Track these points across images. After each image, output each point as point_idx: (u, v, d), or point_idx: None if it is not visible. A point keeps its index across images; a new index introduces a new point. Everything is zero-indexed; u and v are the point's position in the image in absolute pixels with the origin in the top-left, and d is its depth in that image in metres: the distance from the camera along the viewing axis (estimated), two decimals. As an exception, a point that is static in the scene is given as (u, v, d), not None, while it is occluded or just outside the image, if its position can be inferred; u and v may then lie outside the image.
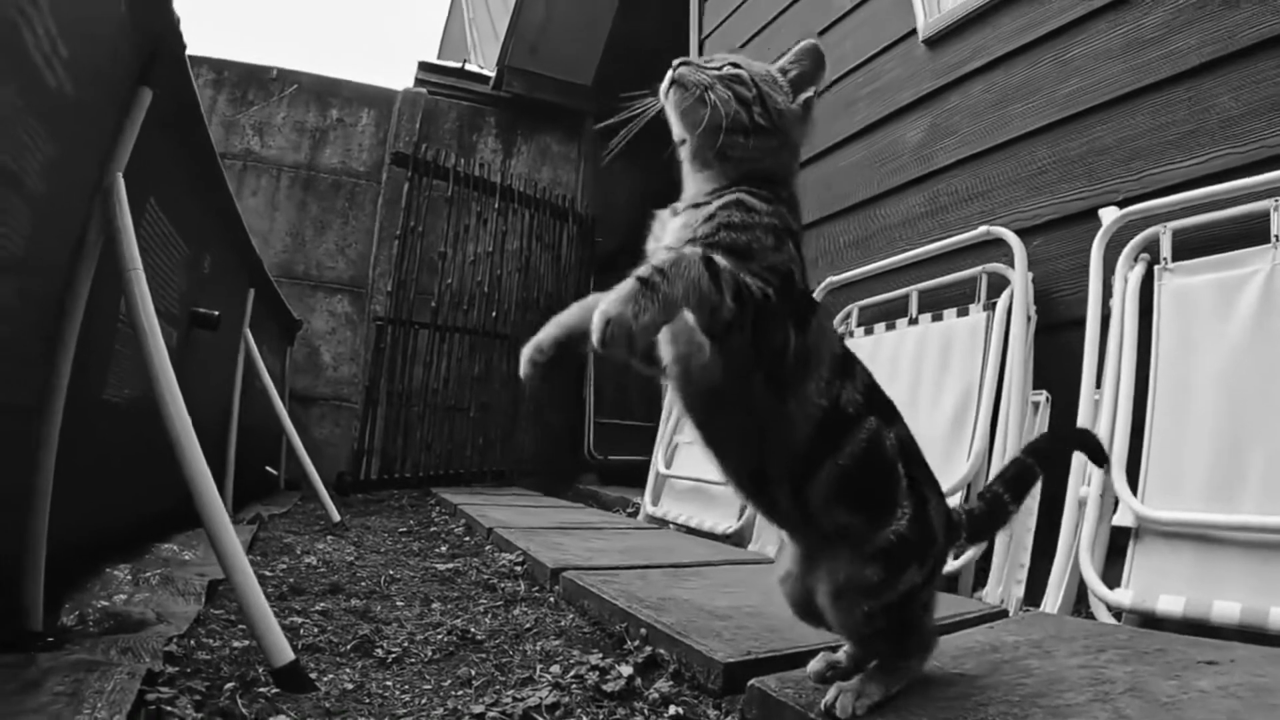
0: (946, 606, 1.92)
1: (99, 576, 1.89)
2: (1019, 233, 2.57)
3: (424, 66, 7.08)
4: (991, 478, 1.52)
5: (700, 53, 4.85)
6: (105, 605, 1.71)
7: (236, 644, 1.59)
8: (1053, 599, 2.03)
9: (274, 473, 4.87)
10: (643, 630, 1.64)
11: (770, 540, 2.84)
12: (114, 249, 1.43)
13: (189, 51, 1.76)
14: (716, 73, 1.18)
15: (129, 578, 1.94)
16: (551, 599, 2.14)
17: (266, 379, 3.68)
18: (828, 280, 3.27)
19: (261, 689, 1.35)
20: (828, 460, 1.14)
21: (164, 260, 2.04)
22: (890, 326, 2.89)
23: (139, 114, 1.55)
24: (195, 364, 2.55)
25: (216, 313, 2.43)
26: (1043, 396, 2.38)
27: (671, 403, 1.11)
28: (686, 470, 3.60)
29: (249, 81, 6.28)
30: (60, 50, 1.11)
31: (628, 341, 0.90)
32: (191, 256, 2.35)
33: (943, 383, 2.54)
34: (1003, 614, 1.94)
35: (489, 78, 6.98)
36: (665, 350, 1.13)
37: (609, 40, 6.74)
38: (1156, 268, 2.16)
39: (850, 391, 1.17)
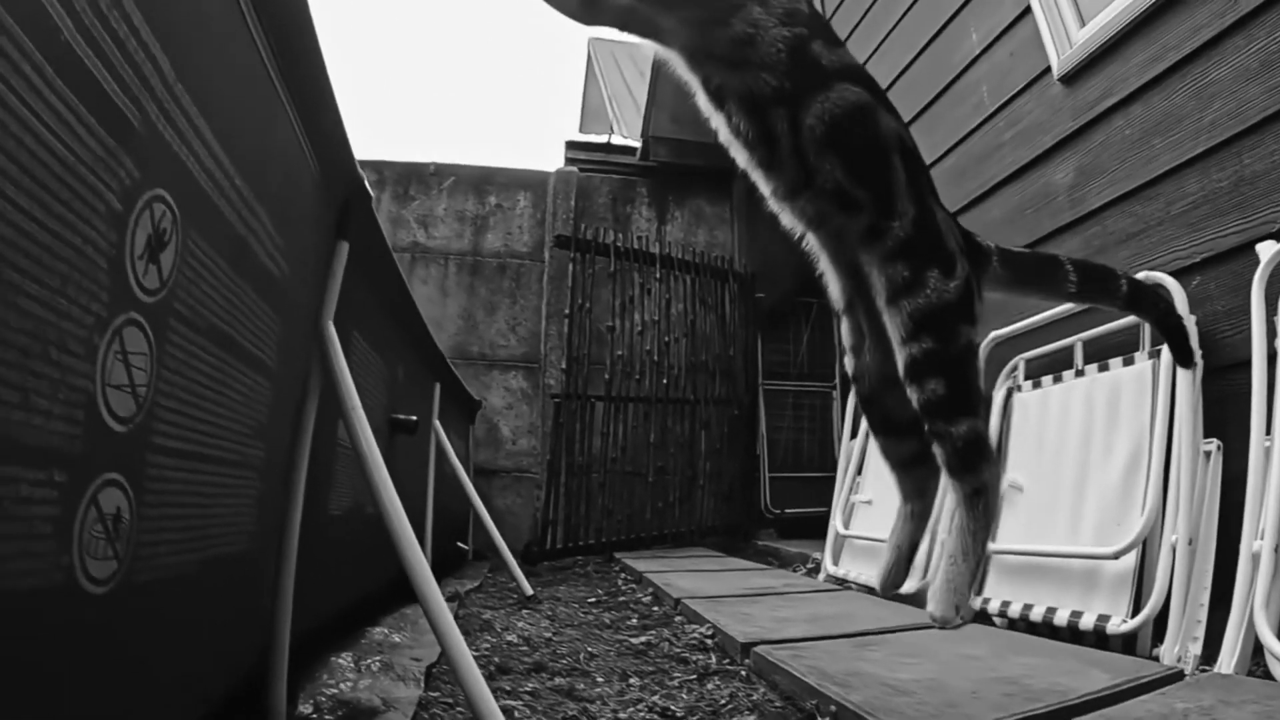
0: (1122, 670, 1.88)
1: (325, 665, 2.06)
2: (1176, 273, 2.47)
3: (571, 145, 7.43)
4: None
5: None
6: (335, 693, 1.88)
7: (460, 731, 1.73)
8: (1228, 658, 1.93)
9: (464, 548, 5.15)
10: (832, 707, 1.68)
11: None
12: (334, 390, 1.63)
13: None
14: None
15: (352, 664, 2.11)
16: (743, 672, 2.20)
17: (455, 462, 3.93)
18: (992, 335, 3.20)
19: (489, 776, 1.47)
20: (815, 99, 1.32)
21: (369, 381, 2.27)
22: (1057, 379, 2.82)
23: (340, 265, 1.76)
24: (397, 461, 2.79)
25: (415, 418, 2.66)
26: (1214, 445, 2.26)
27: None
28: (865, 530, 3.60)
29: (409, 178, 6.78)
30: (277, 241, 1.30)
31: None
32: (388, 371, 2.60)
33: (1113, 435, 2.46)
34: (1178, 676, 1.87)
35: (635, 149, 7.25)
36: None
37: (745, 97, 6.86)
38: (1320, 302, 2.04)
39: (823, 50, 1.37)
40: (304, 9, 1.27)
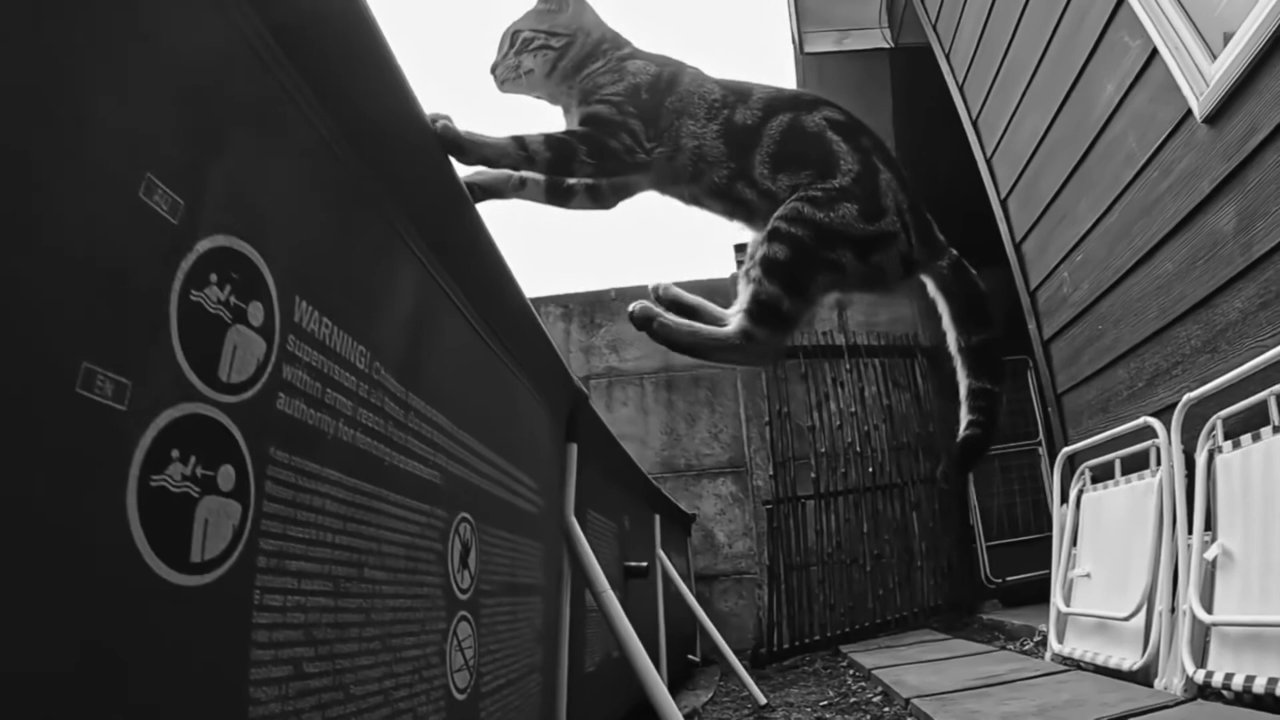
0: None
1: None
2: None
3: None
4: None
5: (995, 190, 4.94)
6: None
7: None
8: None
9: (694, 659, 5.38)
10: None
11: (1174, 672, 2.77)
12: (583, 576, 1.95)
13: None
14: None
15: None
16: (974, 779, 2.33)
17: (679, 583, 4.22)
18: (1186, 397, 3.11)
19: None
20: (754, 153, 1.53)
21: (603, 544, 2.60)
22: (1256, 437, 2.76)
23: (572, 465, 2.08)
24: (631, 599, 3.09)
25: (645, 565, 2.98)
26: None
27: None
28: (1087, 606, 3.58)
29: (593, 307, 7.28)
30: (532, 485, 1.65)
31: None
32: (617, 525, 2.94)
33: (1316, 490, 2.39)
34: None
35: (802, 243, 7.44)
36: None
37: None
38: None
39: (744, 112, 1.57)
40: (525, 307, 1.62)
